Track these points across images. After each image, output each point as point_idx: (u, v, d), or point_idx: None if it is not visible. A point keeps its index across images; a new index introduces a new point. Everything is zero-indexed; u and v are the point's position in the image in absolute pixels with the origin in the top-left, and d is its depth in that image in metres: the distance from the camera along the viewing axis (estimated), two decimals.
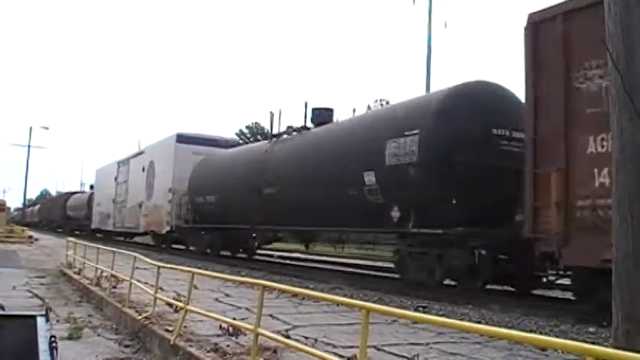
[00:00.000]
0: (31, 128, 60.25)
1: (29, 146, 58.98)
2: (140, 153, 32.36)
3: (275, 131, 19.45)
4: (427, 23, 27.94)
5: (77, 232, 49.59)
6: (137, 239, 34.41)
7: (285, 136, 18.54)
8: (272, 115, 19.96)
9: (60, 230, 58.16)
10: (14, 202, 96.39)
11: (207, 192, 22.15)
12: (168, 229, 25.53)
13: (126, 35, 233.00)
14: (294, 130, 18.13)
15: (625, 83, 5.01)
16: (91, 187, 51.45)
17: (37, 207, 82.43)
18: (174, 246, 27.88)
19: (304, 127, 17.75)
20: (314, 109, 17.67)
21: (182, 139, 26.21)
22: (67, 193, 60.41)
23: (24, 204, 74.10)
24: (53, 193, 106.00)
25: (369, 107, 39.75)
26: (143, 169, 30.02)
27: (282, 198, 16.65)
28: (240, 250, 22.94)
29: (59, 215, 58.37)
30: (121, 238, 36.92)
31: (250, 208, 18.26)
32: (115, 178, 35.80)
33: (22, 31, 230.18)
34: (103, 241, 31.82)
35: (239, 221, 19.60)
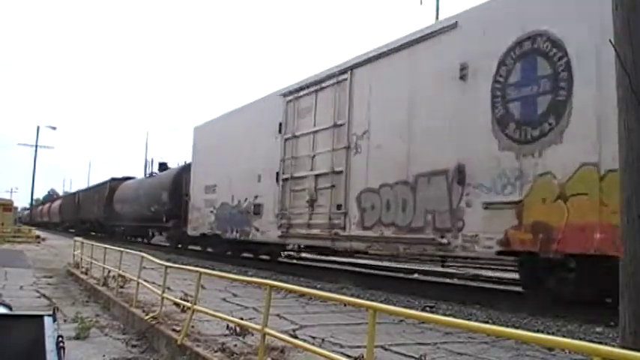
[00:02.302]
0: (38, 128, 60.20)
1: (36, 146, 58.98)
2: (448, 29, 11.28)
3: None
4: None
5: (135, 240, 34.16)
6: None
7: None
8: None
9: (94, 234, 41.99)
10: (21, 202, 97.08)
11: None
12: None
13: (132, 35, 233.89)
14: None
15: (632, 83, 4.99)
16: (150, 174, 34.38)
17: (58, 203, 67.00)
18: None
19: None
20: None
21: None
22: (113, 180, 39.79)
23: (31, 204, 74.33)
24: (60, 192, 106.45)
25: None
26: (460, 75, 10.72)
27: None
28: None
29: (99, 213, 40.50)
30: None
31: None
32: (281, 128, 16.50)
33: (30, 32, 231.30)
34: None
35: None
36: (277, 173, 16.40)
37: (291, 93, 16.29)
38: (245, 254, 20.91)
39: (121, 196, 35.93)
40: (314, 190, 14.67)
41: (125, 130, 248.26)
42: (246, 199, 18.27)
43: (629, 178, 5.05)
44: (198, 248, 24.18)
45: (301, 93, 15.81)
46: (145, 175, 36.37)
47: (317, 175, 14.69)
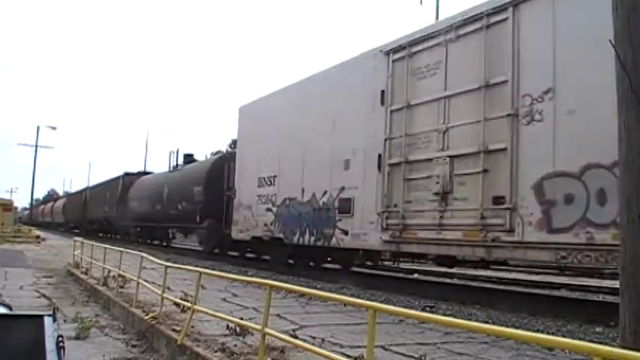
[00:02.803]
0: (38, 128, 60.03)
1: (36, 146, 58.85)
2: None
3: None
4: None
5: (152, 243, 31.00)
6: None
7: None
8: None
9: (102, 235, 40.24)
10: (21, 202, 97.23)
11: None
12: None
13: (132, 35, 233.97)
14: None
15: (632, 83, 5.00)
16: (174, 167, 29.34)
17: (62, 202, 64.12)
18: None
19: None
20: None
21: None
22: (127, 175, 36.10)
23: (31, 203, 74.35)
24: (60, 192, 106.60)
25: None
26: None
27: None
28: None
29: (110, 212, 36.61)
30: None
31: None
32: (384, 97, 12.58)
33: (30, 32, 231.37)
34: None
35: None
36: (379, 157, 12.33)
37: (400, 48, 12.11)
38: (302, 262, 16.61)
39: (138, 192, 31.74)
40: (448, 177, 10.57)
41: (125, 130, 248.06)
42: (325, 193, 14.19)
43: (629, 178, 5.05)
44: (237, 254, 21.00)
45: (418, 47, 11.71)
46: (169, 168, 30.23)
47: (453, 157, 10.56)
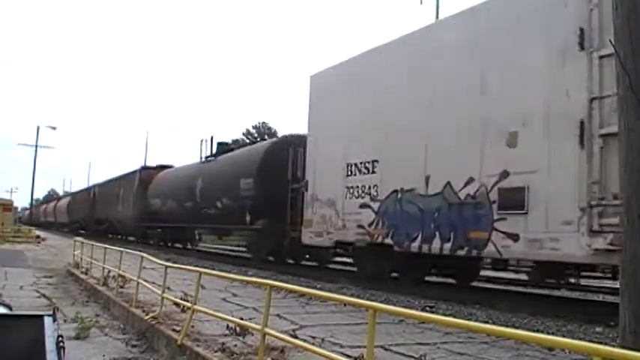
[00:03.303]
0: (38, 128, 59.89)
1: (36, 146, 58.74)
2: None
3: None
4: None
5: (173, 246, 27.70)
6: None
7: None
8: None
9: (111, 236, 36.57)
10: (21, 202, 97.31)
11: None
12: None
13: (132, 34, 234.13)
14: None
15: (633, 83, 5.00)
16: (207, 158, 24.76)
17: (66, 201, 60.70)
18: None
19: None
20: None
21: None
22: (144, 169, 32.65)
23: (31, 204, 74.34)
24: (60, 192, 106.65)
25: None
26: None
27: None
28: None
29: (125, 212, 32.45)
30: None
31: None
32: (583, 39, 8.63)
33: (30, 32, 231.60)
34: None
35: None
36: (581, 124, 8.59)
37: None
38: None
39: (160, 188, 27.65)
40: None
41: (125, 130, 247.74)
42: (470, 181, 10.41)
43: (629, 177, 5.06)
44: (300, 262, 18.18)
45: None
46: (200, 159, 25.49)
47: None
